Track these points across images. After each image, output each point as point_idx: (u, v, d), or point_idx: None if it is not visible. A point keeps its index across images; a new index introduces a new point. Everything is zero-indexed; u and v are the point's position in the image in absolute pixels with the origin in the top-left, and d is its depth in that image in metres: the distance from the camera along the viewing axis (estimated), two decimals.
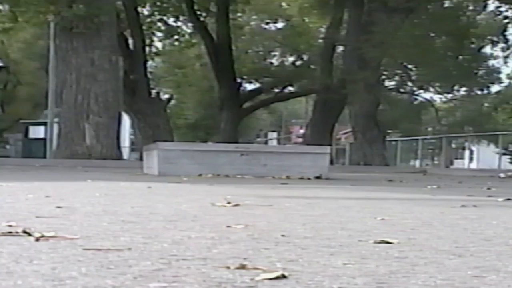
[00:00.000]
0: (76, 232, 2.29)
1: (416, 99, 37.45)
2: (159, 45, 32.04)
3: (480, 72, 34.10)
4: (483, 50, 32.19)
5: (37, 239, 2.08)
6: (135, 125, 27.38)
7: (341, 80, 25.13)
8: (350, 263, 1.76)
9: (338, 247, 2.09)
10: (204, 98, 40.06)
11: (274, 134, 57.71)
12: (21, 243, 2.00)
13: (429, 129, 44.51)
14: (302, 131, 44.38)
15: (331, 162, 17.70)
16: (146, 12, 28.47)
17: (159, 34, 30.16)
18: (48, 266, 1.61)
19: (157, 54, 32.59)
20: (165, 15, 28.61)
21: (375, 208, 3.89)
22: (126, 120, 31.51)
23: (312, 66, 31.90)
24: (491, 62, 34.46)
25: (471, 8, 29.95)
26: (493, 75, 36.39)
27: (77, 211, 3.21)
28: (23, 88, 38.77)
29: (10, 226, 2.41)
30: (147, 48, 28.57)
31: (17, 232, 2.21)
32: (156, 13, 28.18)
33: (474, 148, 39.97)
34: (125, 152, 37.13)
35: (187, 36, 30.30)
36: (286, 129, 59.87)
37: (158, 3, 27.72)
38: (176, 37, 30.02)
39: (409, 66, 31.15)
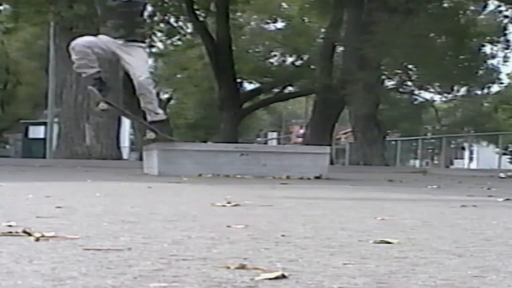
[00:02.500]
0: (76, 232, 2.29)
1: (416, 99, 37.46)
2: (160, 45, 32.05)
3: (480, 72, 34.12)
4: (483, 50, 32.21)
5: (37, 239, 2.08)
6: (135, 125, 27.38)
7: (341, 80, 25.13)
8: (350, 263, 1.76)
9: (338, 247, 2.09)
10: (204, 98, 40.09)
11: (274, 134, 57.74)
12: (21, 243, 2.00)
13: (429, 129, 44.55)
14: (302, 131, 44.40)
15: (331, 162, 17.71)
16: (148, 13, 28.46)
17: (160, 34, 30.16)
18: (48, 266, 1.61)
19: (160, 54, 32.58)
20: (166, 15, 28.61)
21: (375, 208, 3.89)
22: (126, 120, 31.50)
23: (312, 66, 31.91)
24: (491, 62, 34.49)
25: (471, 8, 29.98)
26: (493, 75, 36.42)
27: (77, 211, 3.21)
28: (23, 88, 38.80)
29: (10, 226, 2.41)
30: (149, 48, 28.53)
31: (17, 232, 2.21)
32: (158, 13, 28.18)
33: (474, 148, 39.99)
34: (125, 152, 37.16)
35: (188, 37, 30.31)
36: (286, 129, 59.93)
37: (159, 3, 27.72)
38: (177, 37, 30.04)
39: (409, 66, 31.16)
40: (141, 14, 8.78)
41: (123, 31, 8.52)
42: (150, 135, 9.31)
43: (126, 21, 8.53)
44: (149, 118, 9.20)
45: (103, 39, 8.72)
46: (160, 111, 9.36)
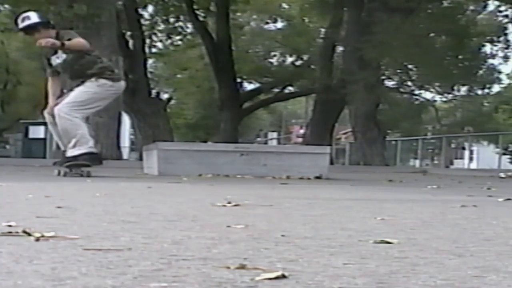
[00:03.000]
0: (76, 232, 2.29)
1: (416, 99, 37.47)
2: (160, 45, 32.09)
3: (480, 72, 34.13)
4: (483, 50, 32.23)
5: (37, 239, 2.08)
6: (135, 125, 27.41)
7: (341, 80, 25.15)
8: (350, 263, 1.76)
9: (338, 247, 2.09)
10: (204, 98, 40.09)
11: (274, 134, 57.77)
12: (21, 243, 2.00)
13: (429, 129, 44.56)
14: (302, 131, 44.42)
15: (331, 162, 17.71)
16: (148, 13, 28.50)
17: (161, 34, 30.19)
18: (48, 266, 1.61)
19: (160, 55, 32.59)
20: (166, 15, 28.63)
21: (375, 208, 3.89)
22: (126, 120, 31.55)
23: (312, 66, 31.93)
24: (491, 62, 34.52)
25: (471, 8, 30.00)
26: (493, 75, 36.44)
27: (77, 211, 3.21)
28: (23, 88, 38.78)
29: (10, 226, 2.41)
30: (149, 49, 28.57)
31: (17, 232, 2.21)
32: (159, 13, 28.21)
33: (474, 148, 40.00)
34: (125, 152, 37.16)
35: (189, 37, 30.35)
36: (286, 129, 59.95)
37: (160, 3, 27.75)
38: (179, 37, 30.07)
39: (409, 66, 31.16)
40: (84, 59, 8.23)
41: (77, 80, 8.34)
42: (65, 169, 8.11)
43: (74, 72, 8.31)
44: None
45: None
46: (77, 150, 8.06)
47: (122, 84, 8.44)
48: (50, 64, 8.47)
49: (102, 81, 8.19)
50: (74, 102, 8.12)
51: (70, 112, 8.05)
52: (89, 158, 8.15)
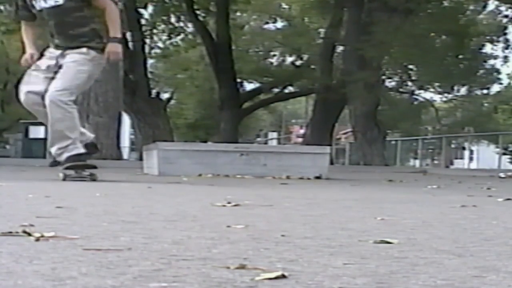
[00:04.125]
0: (76, 232, 2.29)
1: (416, 99, 37.48)
2: (161, 45, 32.10)
3: (480, 72, 34.16)
4: (483, 50, 32.25)
5: (37, 239, 2.08)
6: (135, 125, 27.42)
7: (341, 80, 25.15)
8: (350, 263, 1.76)
9: (338, 247, 2.09)
10: (204, 98, 40.08)
11: (274, 134, 57.76)
12: (21, 243, 2.00)
13: (429, 129, 44.55)
14: (302, 131, 44.41)
15: (331, 162, 17.71)
16: (149, 12, 28.51)
17: (161, 34, 30.19)
18: (48, 266, 1.61)
19: (163, 56, 32.60)
20: (167, 15, 28.63)
21: (375, 208, 3.89)
22: (126, 120, 31.55)
23: (312, 66, 31.92)
24: (491, 62, 34.54)
25: (471, 8, 30.03)
26: (493, 75, 36.46)
27: (77, 211, 3.21)
28: None
29: (10, 226, 2.41)
30: (150, 49, 28.55)
31: (17, 232, 2.21)
32: (160, 13, 28.21)
33: (474, 148, 39.98)
34: (125, 152, 37.16)
35: (190, 36, 30.36)
36: (286, 129, 59.95)
37: (160, 3, 27.74)
38: (180, 37, 30.09)
39: (409, 66, 31.17)
40: (82, 12, 6.83)
41: (62, 38, 6.94)
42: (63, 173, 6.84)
43: (65, 25, 6.88)
44: (52, 150, 6.85)
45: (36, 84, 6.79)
46: (76, 149, 6.81)
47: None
48: (28, 7, 7.05)
49: (93, 53, 6.82)
50: (71, 86, 6.72)
51: (68, 102, 6.68)
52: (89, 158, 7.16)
